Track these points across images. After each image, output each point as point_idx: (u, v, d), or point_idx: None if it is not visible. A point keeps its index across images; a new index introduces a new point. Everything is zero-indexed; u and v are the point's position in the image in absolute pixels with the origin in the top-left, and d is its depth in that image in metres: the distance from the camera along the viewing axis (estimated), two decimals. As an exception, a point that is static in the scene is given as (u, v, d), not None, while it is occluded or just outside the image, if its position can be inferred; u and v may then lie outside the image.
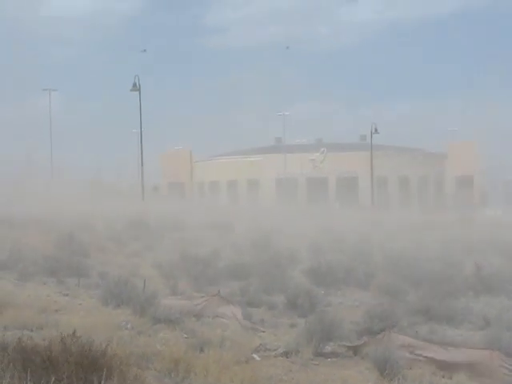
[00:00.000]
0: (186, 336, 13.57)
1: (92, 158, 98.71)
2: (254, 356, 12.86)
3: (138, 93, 54.78)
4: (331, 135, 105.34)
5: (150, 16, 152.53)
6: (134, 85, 54.66)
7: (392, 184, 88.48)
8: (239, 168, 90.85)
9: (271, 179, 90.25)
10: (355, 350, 13.75)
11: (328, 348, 13.84)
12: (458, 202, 79.25)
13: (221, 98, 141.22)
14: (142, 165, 57.96)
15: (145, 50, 77.49)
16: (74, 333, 7.98)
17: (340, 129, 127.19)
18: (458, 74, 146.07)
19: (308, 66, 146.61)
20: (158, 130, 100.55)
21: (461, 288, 22.31)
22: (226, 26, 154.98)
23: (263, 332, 15.48)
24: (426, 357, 12.88)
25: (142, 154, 58.00)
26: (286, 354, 13.13)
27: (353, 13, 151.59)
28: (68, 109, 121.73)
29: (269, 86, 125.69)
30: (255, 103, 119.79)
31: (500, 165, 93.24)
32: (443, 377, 12.36)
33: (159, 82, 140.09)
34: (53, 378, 7.22)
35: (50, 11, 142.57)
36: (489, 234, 40.97)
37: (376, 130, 74.06)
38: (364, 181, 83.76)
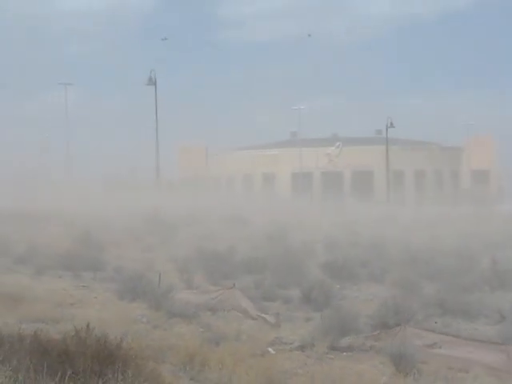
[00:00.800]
0: (201, 330, 13.61)
1: (108, 152, 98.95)
2: (270, 349, 12.88)
3: (153, 88, 54.89)
4: (347, 129, 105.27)
5: (163, 10, 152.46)
6: (150, 79, 54.75)
7: (408, 178, 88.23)
8: (255, 162, 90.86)
9: (287, 173, 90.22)
10: (371, 344, 13.76)
11: (343, 342, 13.83)
12: (475, 196, 78.86)
13: (236, 93, 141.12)
14: (158, 159, 58.13)
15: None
16: (88, 325, 8.01)
17: (356, 123, 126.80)
18: (473, 69, 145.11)
19: (323, 61, 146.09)
20: (174, 124, 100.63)
21: (476, 282, 22.21)
22: (240, 20, 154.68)
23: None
24: (442, 354, 12.86)
25: (157, 148, 58.15)
26: (302, 348, 13.14)
27: (369, 6, 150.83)
28: (85, 103, 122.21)
29: (284, 81, 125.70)
30: (271, 97, 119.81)
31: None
32: (459, 371, 12.32)
33: (174, 76, 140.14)
34: (69, 371, 7.26)
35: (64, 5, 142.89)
36: (506, 229, 40.78)
37: (392, 123, 73.74)
38: (379, 175, 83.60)
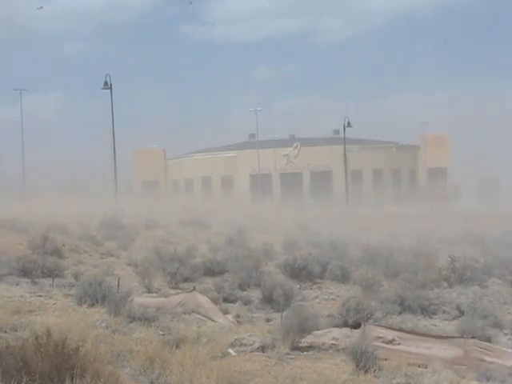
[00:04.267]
0: (161, 333, 13.54)
1: (65, 157, 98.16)
2: (230, 351, 12.87)
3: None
4: (306, 130, 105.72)
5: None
6: (106, 83, 54.36)
7: (366, 177, 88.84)
8: (213, 165, 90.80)
9: (245, 175, 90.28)
10: (332, 343, 13.83)
11: (304, 341, 13.87)
12: (431, 194, 79.70)
13: (198, 95, 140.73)
14: (115, 163, 57.68)
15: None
16: (48, 331, 7.92)
17: (317, 123, 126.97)
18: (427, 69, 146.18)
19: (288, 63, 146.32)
20: (132, 128, 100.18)
21: (435, 279, 22.49)
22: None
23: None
24: (402, 351, 12.98)
25: (114, 152, 57.71)
26: (263, 349, 13.14)
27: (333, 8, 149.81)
28: (41, 108, 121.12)
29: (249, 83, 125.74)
30: (234, 99, 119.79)
31: (474, 158, 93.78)
32: (419, 366, 12.44)
33: (135, 79, 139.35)
34: (25, 378, 7.16)
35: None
36: (462, 226, 41.31)
37: (349, 123, 73.66)
38: (338, 175, 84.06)
